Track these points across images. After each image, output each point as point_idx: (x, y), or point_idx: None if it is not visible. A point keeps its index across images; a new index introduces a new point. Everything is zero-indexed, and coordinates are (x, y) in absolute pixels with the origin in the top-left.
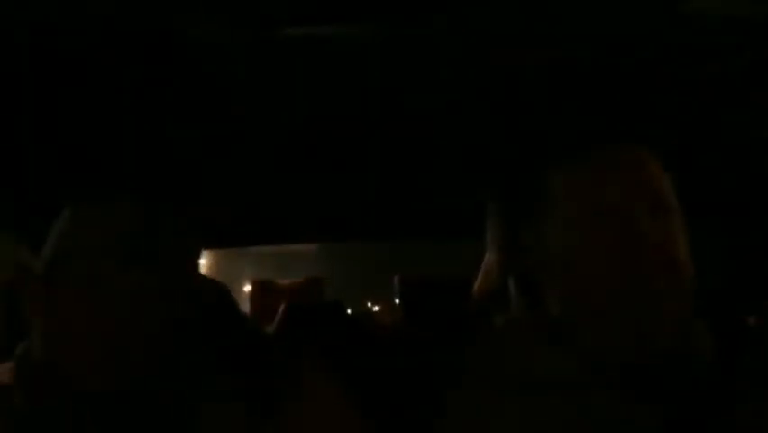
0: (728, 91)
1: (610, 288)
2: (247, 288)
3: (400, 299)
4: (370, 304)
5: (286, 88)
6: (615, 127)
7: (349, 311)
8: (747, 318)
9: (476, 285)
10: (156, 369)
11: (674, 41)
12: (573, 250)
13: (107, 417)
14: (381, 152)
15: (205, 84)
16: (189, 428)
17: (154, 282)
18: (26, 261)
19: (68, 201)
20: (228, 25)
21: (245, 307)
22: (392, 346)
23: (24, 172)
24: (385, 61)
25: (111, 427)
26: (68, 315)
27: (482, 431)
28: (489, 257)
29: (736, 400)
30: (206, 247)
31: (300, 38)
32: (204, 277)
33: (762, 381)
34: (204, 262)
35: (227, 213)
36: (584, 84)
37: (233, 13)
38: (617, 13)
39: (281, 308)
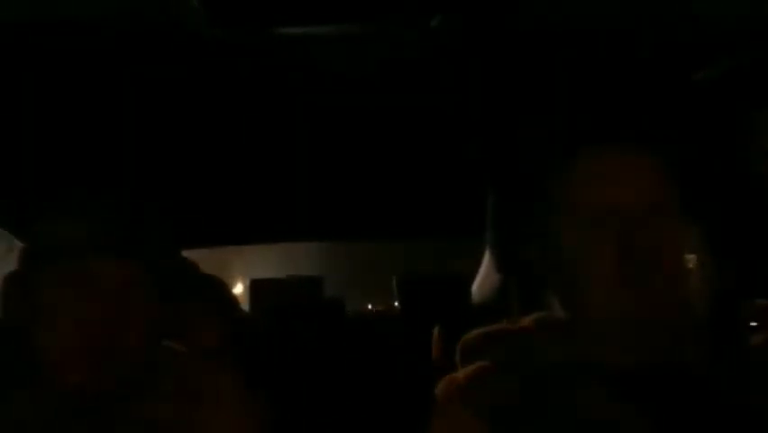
0: (729, 91)
1: (609, 288)
2: (246, 286)
3: (399, 299)
4: (370, 306)
5: (285, 87)
6: (615, 127)
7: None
8: (747, 319)
9: (475, 285)
10: (139, 365)
11: (676, 41)
12: (573, 250)
13: (90, 413)
14: (381, 152)
15: (203, 82)
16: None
17: (138, 278)
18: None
19: (55, 196)
20: (227, 24)
21: (245, 306)
22: (391, 345)
23: (24, 171)
24: (384, 61)
25: (93, 423)
26: (52, 311)
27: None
28: (489, 257)
29: (736, 401)
30: (205, 246)
31: (300, 37)
32: (201, 273)
33: (761, 381)
34: (203, 261)
35: (226, 211)
36: (586, 83)
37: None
38: (620, 12)
39: (279, 307)
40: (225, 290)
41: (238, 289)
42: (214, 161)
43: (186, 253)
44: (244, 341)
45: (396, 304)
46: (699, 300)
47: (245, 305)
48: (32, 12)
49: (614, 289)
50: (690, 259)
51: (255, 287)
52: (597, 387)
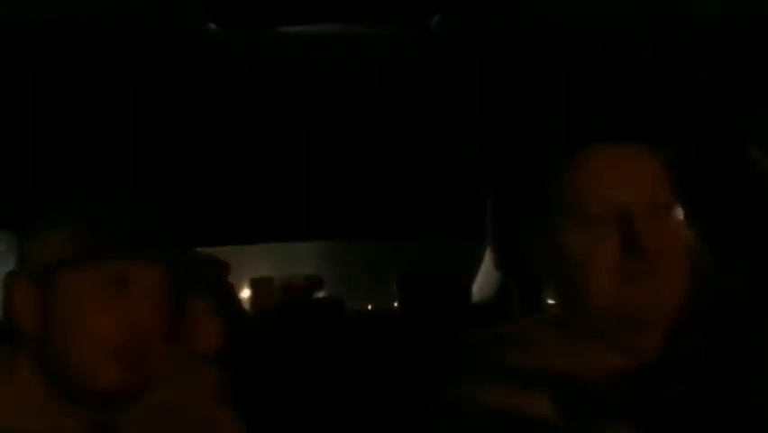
0: (729, 91)
1: (610, 287)
2: (246, 286)
3: (399, 300)
4: (370, 307)
5: (285, 87)
6: (615, 125)
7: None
8: (747, 320)
9: (476, 285)
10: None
11: (674, 41)
12: (573, 249)
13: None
14: (382, 152)
15: (203, 82)
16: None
17: (162, 276)
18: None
19: (55, 196)
20: (228, 24)
21: (245, 305)
22: (391, 345)
23: (24, 171)
24: (384, 61)
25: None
26: (82, 316)
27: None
28: (490, 257)
29: (736, 401)
30: (205, 246)
31: (300, 37)
32: (205, 257)
33: (761, 382)
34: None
35: (226, 210)
36: (585, 82)
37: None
38: (620, 12)
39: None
40: (229, 283)
41: (238, 289)
42: (214, 161)
43: None
44: (244, 341)
45: (396, 304)
46: (701, 300)
47: (245, 304)
48: (32, 12)
49: (615, 288)
50: (691, 258)
51: (255, 286)
52: (596, 386)
